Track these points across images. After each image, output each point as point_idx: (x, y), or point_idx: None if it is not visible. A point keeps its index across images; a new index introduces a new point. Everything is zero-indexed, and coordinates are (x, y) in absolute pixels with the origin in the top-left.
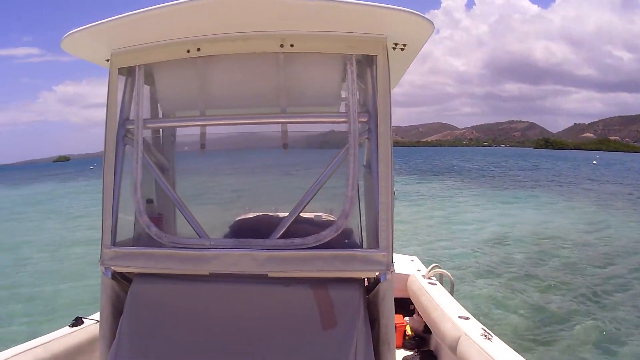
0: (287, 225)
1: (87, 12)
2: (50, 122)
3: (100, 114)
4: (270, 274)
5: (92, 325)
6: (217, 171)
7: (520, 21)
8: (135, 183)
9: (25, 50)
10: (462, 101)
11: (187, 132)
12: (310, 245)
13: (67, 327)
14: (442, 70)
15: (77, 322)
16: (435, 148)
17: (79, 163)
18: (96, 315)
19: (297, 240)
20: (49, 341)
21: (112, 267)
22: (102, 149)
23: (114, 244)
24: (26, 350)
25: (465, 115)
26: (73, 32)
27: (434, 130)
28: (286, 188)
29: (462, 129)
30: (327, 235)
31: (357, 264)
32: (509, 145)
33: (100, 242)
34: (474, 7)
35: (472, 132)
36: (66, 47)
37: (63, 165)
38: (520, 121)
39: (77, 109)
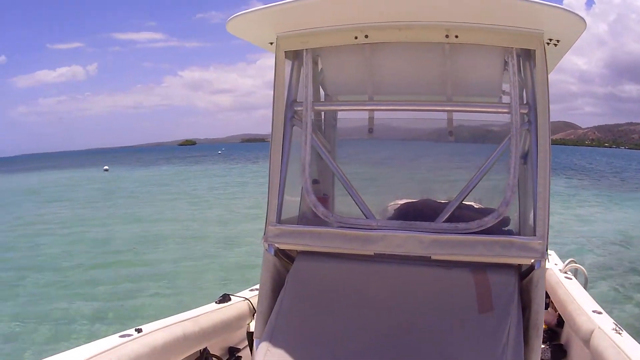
0: (451, 210)
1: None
2: (175, 107)
3: (227, 100)
4: (433, 257)
5: (239, 302)
6: (380, 156)
7: (637, 21)
8: (304, 163)
9: (149, 35)
10: (584, 100)
11: (348, 116)
12: (473, 230)
13: (214, 303)
14: (566, 69)
15: (225, 298)
16: (559, 147)
17: (205, 147)
18: (243, 293)
19: (461, 225)
20: (198, 315)
21: (276, 244)
22: (263, 131)
23: (279, 221)
24: (176, 323)
25: (588, 114)
26: (239, 15)
27: (558, 128)
28: (444, 175)
29: (585, 129)
30: (489, 221)
31: (515, 250)
32: (628, 148)
33: (265, 219)
34: (594, 5)
35: (594, 133)
36: (231, 29)
37: (190, 149)
38: (639, 123)
39: (203, 94)
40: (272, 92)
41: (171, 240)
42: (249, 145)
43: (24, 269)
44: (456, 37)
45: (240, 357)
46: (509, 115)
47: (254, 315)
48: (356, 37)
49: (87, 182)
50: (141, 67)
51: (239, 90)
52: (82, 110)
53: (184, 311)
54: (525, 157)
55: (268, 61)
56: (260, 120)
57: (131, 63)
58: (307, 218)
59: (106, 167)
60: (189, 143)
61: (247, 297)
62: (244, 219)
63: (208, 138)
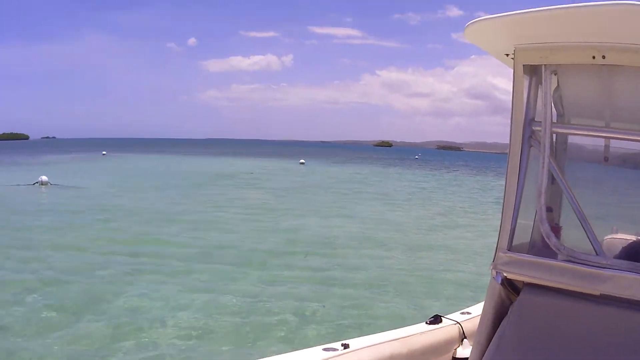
0: None
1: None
2: (372, 105)
3: (424, 104)
4: None
5: (449, 325)
6: (615, 187)
7: None
8: (540, 188)
9: (346, 31)
10: None
11: (580, 141)
12: None
13: (425, 323)
14: None
15: (436, 320)
16: None
17: (401, 150)
18: (454, 315)
19: None
20: (407, 336)
21: (504, 273)
22: (458, 139)
23: (510, 248)
24: (385, 342)
25: None
26: (477, 21)
27: None
28: None
29: None
30: None
31: None
32: None
33: (496, 244)
34: None
35: None
36: (468, 35)
37: (386, 150)
38: None
39: (400, 96)
40: (510, 108)
41: (370, 242)
42: (444, 152)
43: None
44: None
45: None
46: None
47: (462, 340)
48: (594, 57)
49: (283, 173)
50: (338, 62)
51: (436, 95)
52: (276, 100)
53: (392, 327)
54: None
55: (465, 68)
56: (456, 127)
57: (328, 57)
58: (537, 247)
59: (302, 161)
60: (385, 144)
61: (458, 320)
62: (443, 229)
63: (404, 141)
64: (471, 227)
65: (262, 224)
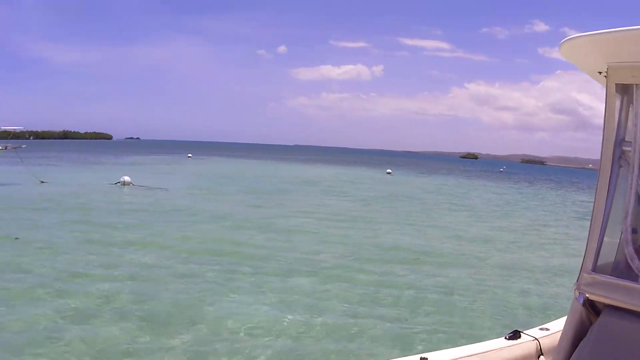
0: None
1: (503, 14)
2: (460, 118)
3: (509, 117)
4: None
5: (528, 341)
6: None
7: None
8: (627, 209)
9: (435, 44)
10: None
11: None
12: None
13: (504, 338)
14: None
15: (515, 335)
16: None
17: (486, 162)
18: (532, 331)
19: None
20: (486, 351)
21: (587, 294)
22: (542, 153)
23: (594, 269)
24: (463, 357)
25: None
26: (572, 38)
27: None
28: None
29: None
30: None
31: None
32: None
33: (581, 264)
34: None
35: None
36: (563, 52)
37: (471, 162)
38: None
39: (488, 109)
40: (602, 126)
41: (454, 255)
42: (528, 166)
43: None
44: None
45: None
46: None
47: (539, 357)
48: None
49: (369, 181)
50: (427, 74)
51: (522, 109)
52: (365, 110)
53: (471, 341)
54: None
55: (550, 83)
56: (541, 142)
57: (417, 69)
58: (620, 269)
59: (389, 170)
60: (471, 156)
61: (536, 336)
62: (526, 244)
63: (489, 154)
64: (554, 242)
65: (349, 232)
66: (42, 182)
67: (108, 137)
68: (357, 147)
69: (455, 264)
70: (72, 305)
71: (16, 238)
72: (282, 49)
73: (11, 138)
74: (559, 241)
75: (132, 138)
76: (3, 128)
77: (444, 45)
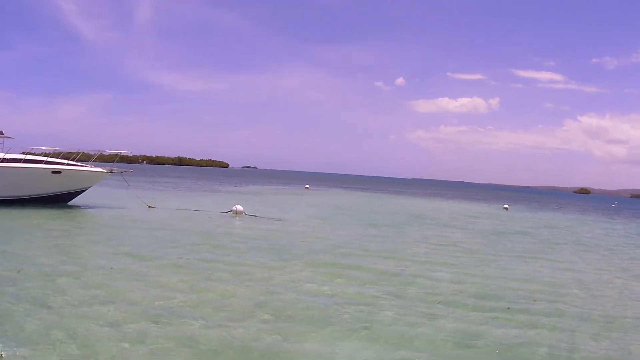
0: None
1: (608, 41)
2: (574, 152)
3: (620, 151)
4: None
5: None
6: None
7: None
8: None
9: (548, 75)
10: None
11: None
12: None
13: None
14: None
15: None
16: None
17: (599, 198)
18: None
19: None
20: None
21: None
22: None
23: None
24: None
25: None
26: None
27: None
28: None
29: None
30: None
31: None
32: None
33: None
34: None
35: None
36: None
37: (584, 197)
38: None
39: (599, 142)
40: None
41: (563, 294)
42: (637, 201)
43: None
44: None
45: None
46: None
47: None
48: None
49: (484, 217)
50: (542, 107)
51: (632, 142)
52: (483, 143)
53: None
54: None
55: None
56: None
57: (532, 101)
58: None
59: (506, 206)
60: (584, 191)
61: None
62: None
63: (602, 189)
64: None
65: (462, 266)
66: (150, 207)
67: (224, 165)
68: (473, 182)
69: (565, 305)
70: None
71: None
72: (400, 81)
73: (120, 162)
74: None
75: (248, 167)
76: (108, 152)
77: (557, 77)
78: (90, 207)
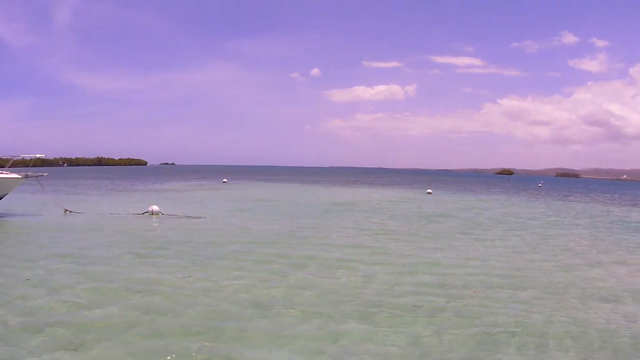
0: None
1: (529, 25)
2: (494, 134)
3: (543, 132)
4: None
5: None
6: None
7: None
8: None
9: (467, 60)
10: None
11: None
12: None
13: None
14: None
15: None
16: None
17: (522, 178)
18: None
19: None
20: None
21: None
22: (576, 166)
23: None
24: None
25: None
26: None
27: None
28: None
29: None
30: None
31: None
32: None
33: None
34: None
35: None
36: None
37: (507, 178)
38: None
39: (521, 124)
40: None
41: (503, 283)
42: (563, 179)
43: None
44: None
45: None
46: None
47: None
48: None
49: (405, 202)
50: (460, 91)
51: (555, 122)
52: (400, 129)
53: None
54: None
55: (582, 95)
56: (575, 155)
57: (450, 87)
58: None
59: (429, 190)
60: (507, 172)
61: None
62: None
63: (524, 169)
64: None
65: (388, 258)
66: (67, 211)
67: (143, 163)
68: (393, 167)
69: (502, 294)
70: None
71: (27, 279)
72: (315, 71)
73: (40, 165)
74: (629, 264)
75: (167, 163)
76: (22, 156)
77: (476, 61)
78: (2, 216)
